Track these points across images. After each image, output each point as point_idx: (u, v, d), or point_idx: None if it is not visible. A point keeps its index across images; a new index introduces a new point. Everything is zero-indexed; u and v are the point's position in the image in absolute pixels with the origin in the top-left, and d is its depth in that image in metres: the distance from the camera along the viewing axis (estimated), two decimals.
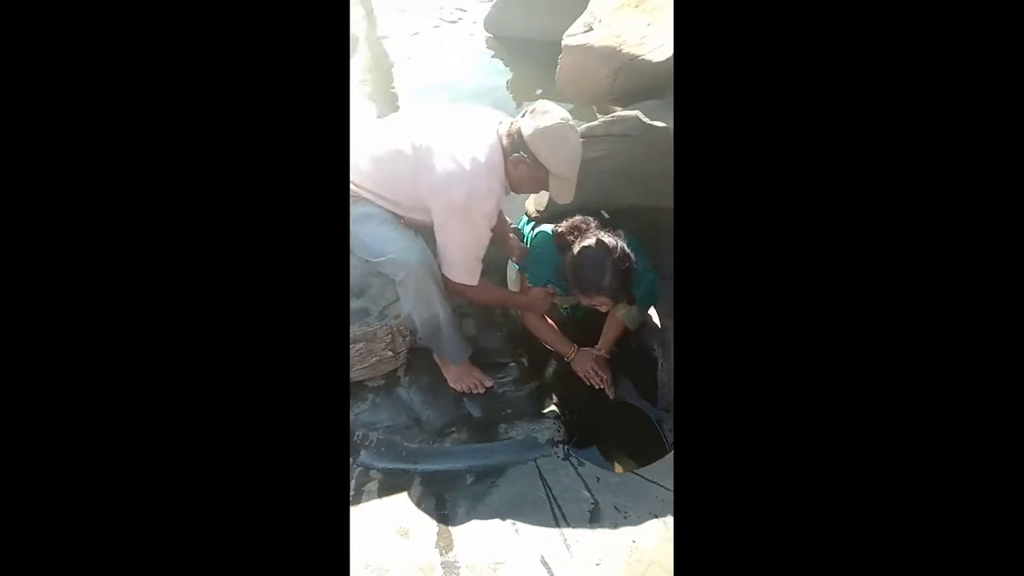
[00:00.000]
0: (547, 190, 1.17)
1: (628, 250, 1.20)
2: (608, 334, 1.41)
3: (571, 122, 1.11)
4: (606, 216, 1.49)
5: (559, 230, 1.31)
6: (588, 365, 1.38)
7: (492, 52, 3.61)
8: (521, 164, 1.12)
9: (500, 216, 1.47)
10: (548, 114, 1.10)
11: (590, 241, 1.21)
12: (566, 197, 1.15)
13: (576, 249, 1.22)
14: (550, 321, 1.45)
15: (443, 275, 1.20)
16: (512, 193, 1.23)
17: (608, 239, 1.21)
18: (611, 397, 1.37)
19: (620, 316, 1.37)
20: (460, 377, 1.32)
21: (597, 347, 1.40)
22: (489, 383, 1.33)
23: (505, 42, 3.65)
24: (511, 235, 1.51)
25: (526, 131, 1.09)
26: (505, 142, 1.13)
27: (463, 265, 1.20)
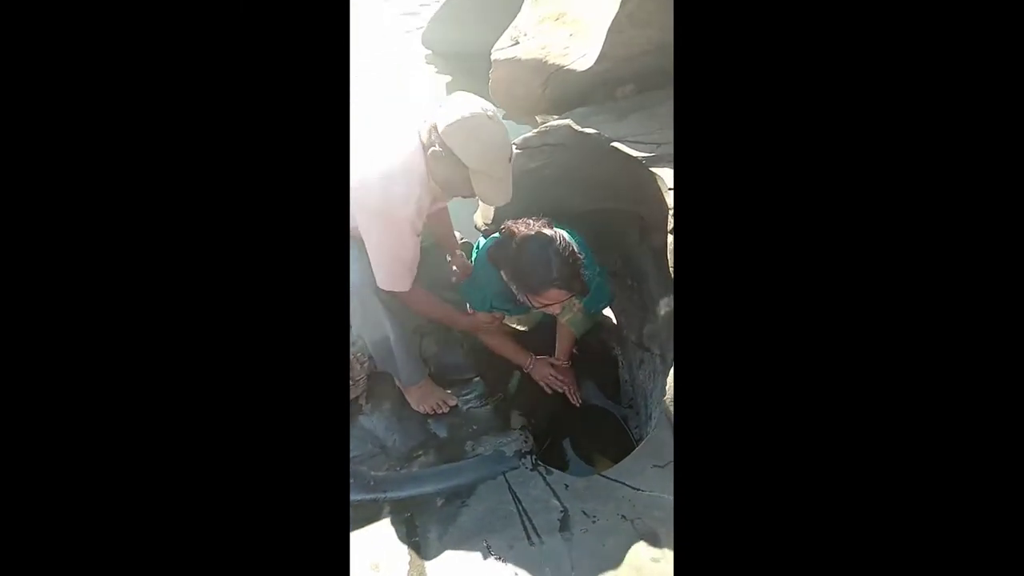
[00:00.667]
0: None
1: (569, 239, 1.14)
2: (561, 343, 1.40)
3: (490, 113, 1.03)
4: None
5: (491, 246, 1.22)
6: (546, 372, 1.38)
7: (435, 67, 3.63)
8: (440, 160, 1.04)
9: (446, 226, 1.44)
10: (463, 105, 1.02)
11: (528, 232, 1.13)
12: (497, 198, 1.10)
13: (514, 245, 1.13)
14: (504, 333, 1.44)
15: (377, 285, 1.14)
16: (451, 197, 1.15)
17: (547, 230, 1.14)
18: (576, 404, 1.39)
19: (566, 322, 1.35)
20: (422, 399, 1.30)
21: (554, 357, 1.39)
22: (453, 401, 1.32)
23: (443, 57, 3.68)
24: (458, 252, 1.47)
25: (440, 124, 1.02)
26: (424, 139, 1.06)
27: (390, 272, 1.13)
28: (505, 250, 1.15)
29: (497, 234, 1.21)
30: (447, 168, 1.05)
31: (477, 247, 1.44)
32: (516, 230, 1.14)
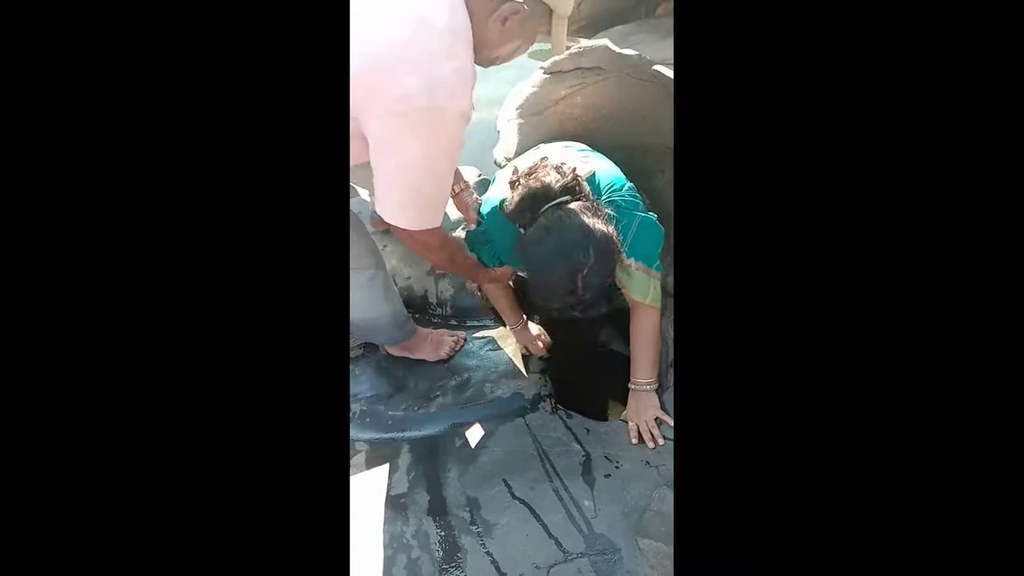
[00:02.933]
0: (538, 43, 0.82)
1: (611, 230, 0.85)
2: (644, 347, 1.03)
3: None
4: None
5: (507, 203, 0.94)
6: (529, 337, 1.25)
7: None
8: (514, 15, 0.76)
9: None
10: None
11: (547, 221, 0.85)
12: (564, 44, 0.85)
13: (531, 239, 0.86)
14: (505, 286, 1.21)
15: (390, 224, 0.82)
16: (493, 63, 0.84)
17: (584, 215, 0.84)
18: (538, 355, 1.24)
19: (637, 298, 1.00)
20: (434, 349, 1.27)
21: (639, 379, 1.05)
22: (463, 334, 1.29)
23: None
24: (462, 185, 1.20)
25: None
26: None
27: (425, 200, 0.80)
28: (522, 245, 0.90)
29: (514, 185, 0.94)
30: (521, 22, 0.78)
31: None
32: (536, 181, 0.89)
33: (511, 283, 1.24)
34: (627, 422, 1.05)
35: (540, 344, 1.25)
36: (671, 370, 1.15)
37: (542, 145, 1.20)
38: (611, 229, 0.86)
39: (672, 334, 1.16)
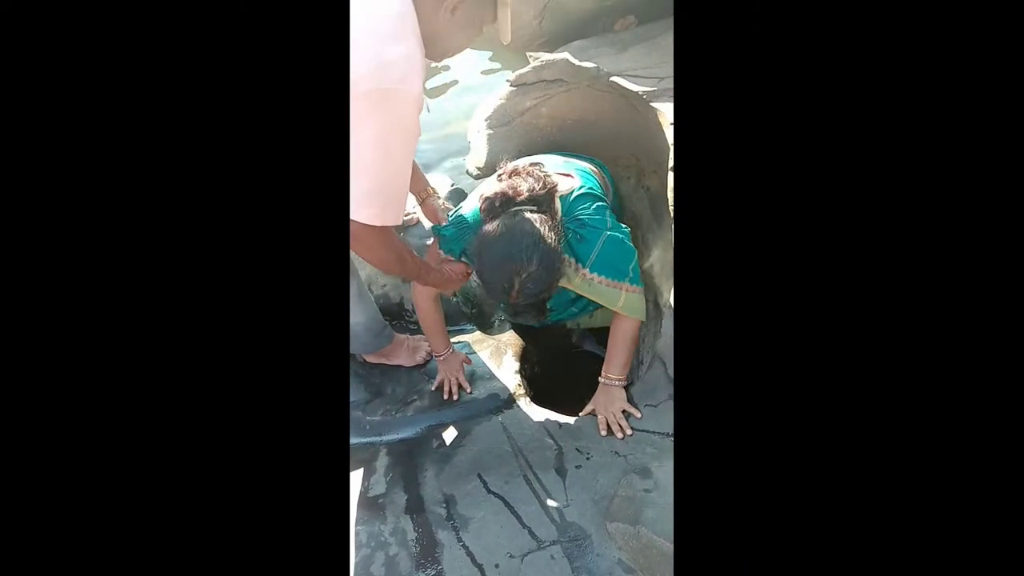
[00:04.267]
0: (479, 32, 0.84)
1: (559, 249, 0.91)
2: (620, 346, 1.07)
3: None
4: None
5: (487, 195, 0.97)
6: (452, 369, 1.20)
7: None
8: (463, 3, 0.78)
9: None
10: None
11: (503, 227, 0.90)
12: (509, 31, 0.88)
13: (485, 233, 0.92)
14: (438, 306, 1.20)
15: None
16: (441, 59, 0.86)
17: (542, 226, 0.90)
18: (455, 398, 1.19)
19: (608, 306, 1.04)
20: (410, 355, 1.29)
21: (611, 375, 1.09)
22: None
23: None
24: (429, 191, 1.22)
25: None
26: None
27: (388, 194, 0.79)
28: (479, 236, 0.95)
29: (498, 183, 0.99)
30: (469, 8, 0.80)
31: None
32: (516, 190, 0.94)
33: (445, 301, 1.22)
34: (596, 415, 1.08)
35: (457, 380, 1.20)
36: (642, 367, 1.20)
37: (552, 155, 1.20)
38: (560, 248, 0.93)
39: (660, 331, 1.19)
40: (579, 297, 1.12)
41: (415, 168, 1.22)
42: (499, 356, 1.33)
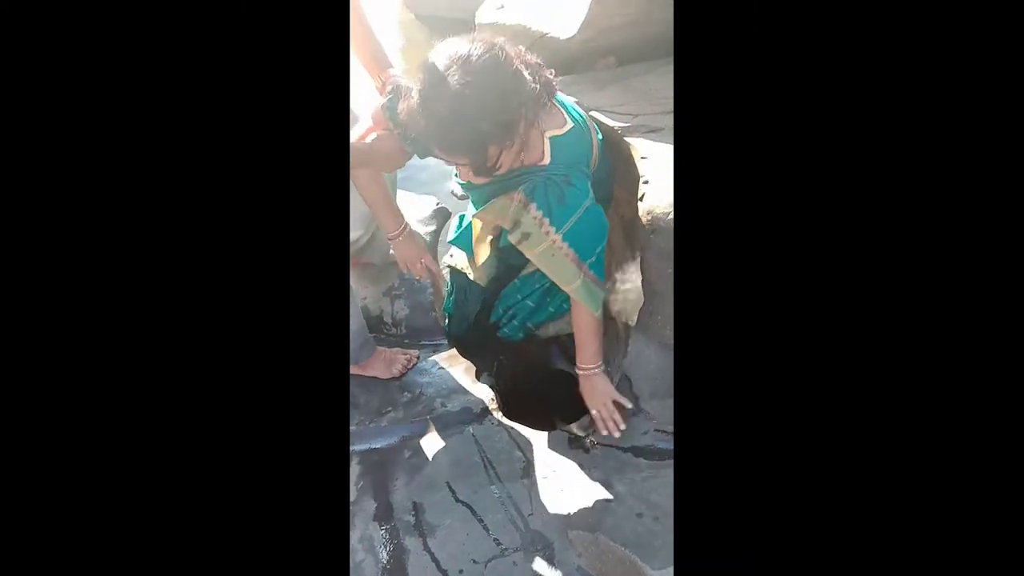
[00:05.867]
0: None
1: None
2: (584, 336, 1.02)
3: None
4: None
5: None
6: (411, 253, 1.18)
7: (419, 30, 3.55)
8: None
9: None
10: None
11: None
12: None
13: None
14: (383, 185, 1.10)
15: None
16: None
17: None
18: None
19: (563, 286, 0.95)
20: (387, 367, 1.33)
21: (585, 364, 1.05)
22: (415, 353, 1.36)
23: (425, 20, 3.59)
24: (402, 226, 1.20)
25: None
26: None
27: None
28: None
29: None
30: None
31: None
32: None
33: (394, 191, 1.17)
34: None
35: (420, 265, 1.17)
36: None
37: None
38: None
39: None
40: (541, 300, 1.16)
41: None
42: (472, 372, 1.37)
